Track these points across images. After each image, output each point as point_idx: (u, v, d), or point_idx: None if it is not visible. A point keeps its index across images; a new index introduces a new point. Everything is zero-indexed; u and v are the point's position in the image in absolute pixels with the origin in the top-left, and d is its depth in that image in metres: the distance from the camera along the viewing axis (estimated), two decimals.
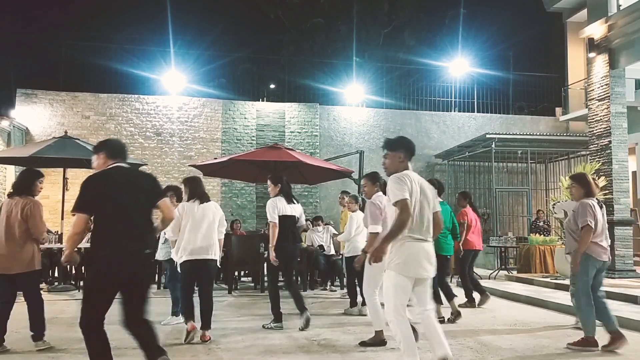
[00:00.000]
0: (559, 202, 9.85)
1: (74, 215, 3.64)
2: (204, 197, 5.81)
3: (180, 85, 17.23)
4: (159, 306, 6.83)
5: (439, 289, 6.82)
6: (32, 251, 5.17)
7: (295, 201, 6.52)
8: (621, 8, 10.34)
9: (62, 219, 10.05)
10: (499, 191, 15.66)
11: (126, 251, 3.62)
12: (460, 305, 7.63)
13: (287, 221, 6.29)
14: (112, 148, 3.86)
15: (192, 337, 5.49)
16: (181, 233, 5.64)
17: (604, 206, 5.78)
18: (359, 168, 12.63)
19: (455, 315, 6.86)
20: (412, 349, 3.93)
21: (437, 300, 6.56)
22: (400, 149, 4.24)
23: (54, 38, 20.26)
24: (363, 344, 5.39)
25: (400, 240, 3.97)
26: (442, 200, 6.84)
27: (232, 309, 7.64)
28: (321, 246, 10.35)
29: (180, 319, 6.16)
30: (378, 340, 5.39)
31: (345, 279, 8.67)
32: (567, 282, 7.31)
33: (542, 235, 11.55)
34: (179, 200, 6.15)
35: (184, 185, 5.95)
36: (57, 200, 12.18)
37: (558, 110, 18.68)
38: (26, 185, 5.22)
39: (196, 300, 5.72)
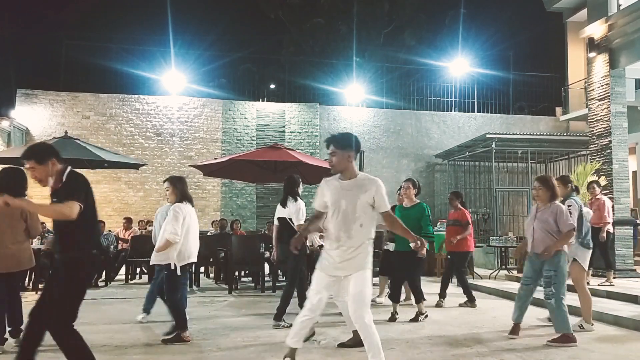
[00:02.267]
0: None
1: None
2: (191, 199, 5.74)
3: (180, 86, 17.24)
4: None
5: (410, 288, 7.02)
6: (29, 249, 5.20)
7: (287, 204, 6.64)
8: (621, 8, 10.34)
9: None
10: (499, 191, 15.66)
11: (98, 253, 3.82)
12: (460, 305, 7.80)
13: (279, 223, 6.73)
14: (56, 152, 3.73)
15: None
16: (183, 235, 5.46)
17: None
18: (359, 168, 12.60)
19: (417, 315, 6.73)
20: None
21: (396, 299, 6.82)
22: (349, 148, 4.05)
23: (54, 38, 20.27)
24: (342, 345, 5.34)
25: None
26: (419, 201, 6.91)
27: (232, 309, 7.63)
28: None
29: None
30: (357, 341, 5.36)
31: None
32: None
33: None
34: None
35: (171, 185, 5.64)
36: None
37: (558, 110, 18.70)
38: (20, 185, 4.93)
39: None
